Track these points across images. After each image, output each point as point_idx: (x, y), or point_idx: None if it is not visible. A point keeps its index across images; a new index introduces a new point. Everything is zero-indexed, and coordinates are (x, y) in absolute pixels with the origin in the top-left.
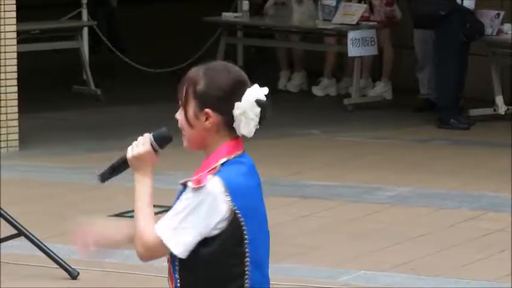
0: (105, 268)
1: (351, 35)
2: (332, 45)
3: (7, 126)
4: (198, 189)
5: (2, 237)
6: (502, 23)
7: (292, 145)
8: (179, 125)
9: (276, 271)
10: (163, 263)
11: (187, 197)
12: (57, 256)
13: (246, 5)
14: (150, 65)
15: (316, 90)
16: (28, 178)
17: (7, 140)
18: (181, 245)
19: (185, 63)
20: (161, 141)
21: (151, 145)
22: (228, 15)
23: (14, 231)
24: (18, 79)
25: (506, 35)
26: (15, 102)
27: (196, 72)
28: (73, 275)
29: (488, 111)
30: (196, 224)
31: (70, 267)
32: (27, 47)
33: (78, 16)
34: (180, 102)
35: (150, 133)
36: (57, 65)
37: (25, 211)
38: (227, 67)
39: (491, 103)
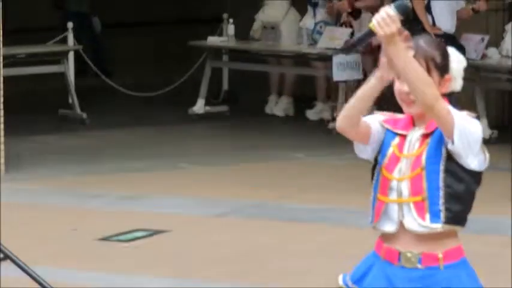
0: None
1: (336, 59)
2: (319, 69)
3: None
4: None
5: None
6: (486, 48)
7: (277, 169)
8: (409, 97)
9: None
10: None
11: (477, 125)
12: (43, 280)
13: (231, 30)
14: (135, 88)
15: (311, 114)
16: (14, 202)
17: None
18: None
19: (171, 87)
20: (403, 13)
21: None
22: (213, 40)
23: (0, 255)
24: (4, 102)
25: (489, 59)
26: (1, 126)
27: (428, 47)
28: None
29: None
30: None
31: None
32: (13, 71)
33: (64, 40)
34: None
35: (390, 6)
36: (43, 88)
37: (11, 235)
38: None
39: None
